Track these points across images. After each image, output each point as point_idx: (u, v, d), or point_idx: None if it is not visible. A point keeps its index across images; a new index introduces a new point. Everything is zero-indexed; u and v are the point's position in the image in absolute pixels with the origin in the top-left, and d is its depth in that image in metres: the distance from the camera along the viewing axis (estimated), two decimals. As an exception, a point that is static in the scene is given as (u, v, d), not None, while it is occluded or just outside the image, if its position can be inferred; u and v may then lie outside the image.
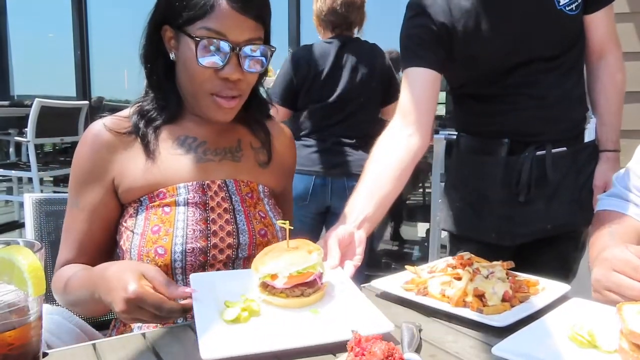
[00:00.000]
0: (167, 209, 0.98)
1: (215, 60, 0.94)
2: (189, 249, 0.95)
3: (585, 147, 1.40)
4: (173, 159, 1.01)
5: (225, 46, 0.93)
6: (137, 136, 1.00)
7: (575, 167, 1.38)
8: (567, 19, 1.31)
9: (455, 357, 0.69)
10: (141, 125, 1.01)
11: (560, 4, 1.29)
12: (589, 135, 1.41)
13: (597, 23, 1.36)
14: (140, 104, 1.04)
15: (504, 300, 0.82)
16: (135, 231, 0.97)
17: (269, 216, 1.06)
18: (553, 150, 1.35)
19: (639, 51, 2.56)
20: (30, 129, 3.69)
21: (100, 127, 1.00)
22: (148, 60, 1.03)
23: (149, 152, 1.00)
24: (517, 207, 1.37)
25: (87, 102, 4.39)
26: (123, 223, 1.01)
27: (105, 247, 1.03)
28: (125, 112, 1.04)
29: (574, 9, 1.30)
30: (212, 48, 0.93)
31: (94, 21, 5.31)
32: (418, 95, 1.33)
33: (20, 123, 4.71)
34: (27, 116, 3.73)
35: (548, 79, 1.34)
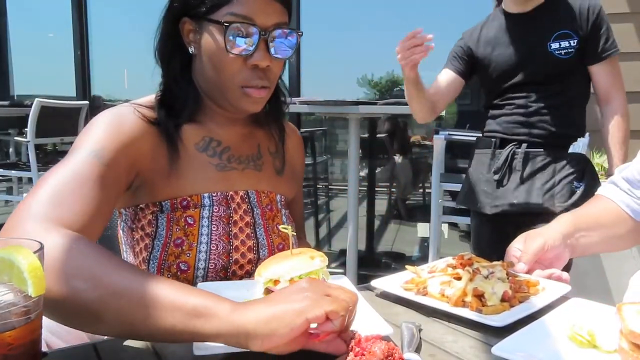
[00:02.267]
0: (190, 220, 0.94)
1: (244, 46, 0.89)
2: (211, 266, 0.93)
3: (567, 155, 1.80)
4: (198, 163, 0.97)
5: (253, 31, 0.89)
6: (162, 131, 0.94)
7: (554, 166, 1.79)
8: (555, 60, 1.74)
9: (455, 357, 0.69)
10: (168, 120, 0.94)
11: (551, 47, 1.74)
12: (574, 149, 1.80)
13: (598, 73, 1.78)
14: (160, 97, 0.98)
15: (503, 300, 0.82)
16: (156, 241, 0.93)
17: None
18: (530, 150, 1.80)
19: (638, 51, 2.57)
20: (30, 129, 3.68)
21: (132, 111, 0.92)
22: (166, 56, 0.98)
23: (175, 151, 0.94)
24: (495, 186, 1.87)
25: (87, 102, 4.39)
26: (138, 229, 0.96)
27: (100, 226, 0.80)
28: (147, 101, 0.97)
29: (562, 54, 1.73)
30: (240, 34, 0.89)
31: (94, 21, 5.32)
32: (440, 87, 1.95)
33: (20, 123, 4.71)
34: (27, 116, 3.72)
35: (533, 96, 1.81)
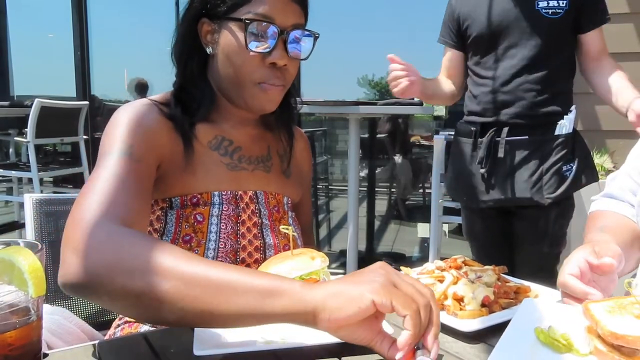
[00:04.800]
0: (199, 217, 0.95)
1: (264, 44, 0.91)
2: None
3: (555, 138, 1.67)
4: (210, 161, 0.98)
5: (273, 30, 0.91)
6: (178, 127, 0.95)
7: (540, 154, 1.67)
8: (542, 19, 1.62)
9: (455, 357, 0.69)
10: (183, 117, 0.96)
11: (539, 5, 1.62)
12: (560, 129, 1.67)
13: (593, 39, 1.67)
14: (175, 95, 0.99)
15: (483, 305, 0.80)
16: (165, 237, 0.94)
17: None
18: (513, 137, 1.68)
19: (638, 51, 2.57)
20: (30, 129, 3.68)
21: (150, 105, 0.94)
22: (183, 57, 0.99)
23: (190, 148, 0.95)
24: (480, 179, 1.75)
25: (87, 102, 4.39)
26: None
27: (147, 220, 0.87)
28: (162, 98, 0.99)
29: (550, 13, 1.61)
30: (259, 33, 0.91)
31: (94, 21, 5.32)
32: (449, 69, 1.90)
33: (20, 123, 4.71)
34: (27, 116, 3.72)
35: (514, 63, 1.66)
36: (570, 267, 0.80)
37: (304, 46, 0.97)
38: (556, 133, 1.67)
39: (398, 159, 5.39)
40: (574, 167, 1.67)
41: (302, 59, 0.98)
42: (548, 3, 1.61)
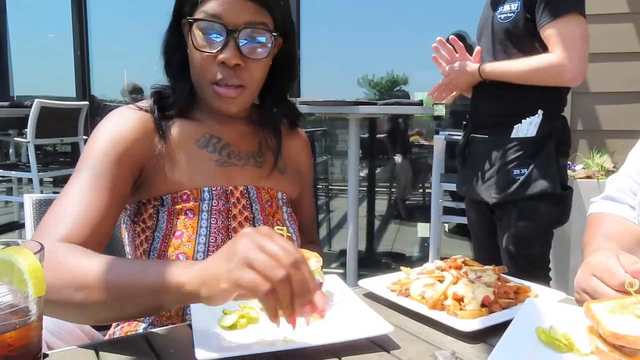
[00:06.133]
0: (190, 213, 0.95)
1: (212, 44, 0.93)
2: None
3: (510, 140, 1.70)
4: (198, 159, 0.99)
5: (220, 29, 0.92)
6: (160, 127, 0.97)
7: (495, 153, 1.73)
8: (499, 25, 1.73)
9: (455, 358, 0.69)
10: (161, 116, 0.98)
11: (497, 11, 1.73)
12: (517, 132, 1.69)
13: (543, 34, 1.62)
14: (156, 90, 1.02)
15: (483, 305, 0.80)
16: (157, 233, 0.95)
17: (286, 225, 1.05)
18: (474, 135, 1.82)
19: (638, 51, 2.57)
20: (30, 129, 3.69)
21: (132, 111, 0.97)
22: (167, 55, 1.03)
23: (175, 146, 0.97)
24: (458, 171, 1.94)
25: (86, 102, 4.39)
26: (140, 222, 0.98)
27: (106, 230, 0.88)
28: (145, 103, 1.01)
29: (502, 19, 1.70)
30: (208, 32, 0.93)
31: (94, 21, 5.32)
32: None
33: (20, 123, 4.71)
34: (27, 117, 3.72)
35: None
36: (611, 263, 0.77)
37: (259, 46, 0.96)
38: (512, 135, 1.69)
39: (398, 159, 5.39)
40: (527, 172, 1.65)
41: (260, 59, 0.97)
42: (503, 8, 1.70)
